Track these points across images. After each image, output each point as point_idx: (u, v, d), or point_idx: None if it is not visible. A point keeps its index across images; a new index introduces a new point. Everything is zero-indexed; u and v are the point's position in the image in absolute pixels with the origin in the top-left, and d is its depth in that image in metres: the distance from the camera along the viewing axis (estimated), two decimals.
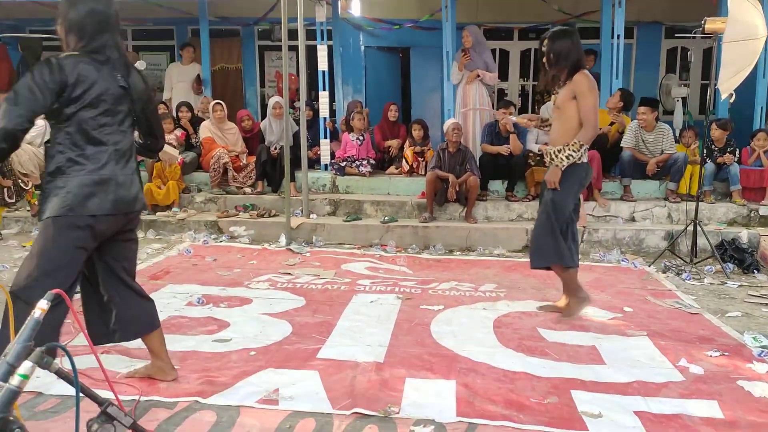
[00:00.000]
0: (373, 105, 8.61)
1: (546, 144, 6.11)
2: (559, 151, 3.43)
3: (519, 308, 3.93)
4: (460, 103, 6.74)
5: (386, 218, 6.10)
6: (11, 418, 0.96)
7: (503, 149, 6.15)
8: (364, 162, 6.97)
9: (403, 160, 6.96)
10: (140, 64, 3.82)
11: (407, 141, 7.06)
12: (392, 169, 7.11)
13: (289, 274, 4.72)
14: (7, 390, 0.96)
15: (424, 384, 2.76)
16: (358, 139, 7.02)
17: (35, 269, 2.22)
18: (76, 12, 2.35)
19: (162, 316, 3.59)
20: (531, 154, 6.15)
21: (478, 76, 6.44)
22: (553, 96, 3.71)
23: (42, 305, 1.14)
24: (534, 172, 6.14)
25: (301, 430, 2.34)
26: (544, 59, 3.49)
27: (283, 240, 5.78)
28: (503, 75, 9.38)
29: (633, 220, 6.04)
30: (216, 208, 6.53)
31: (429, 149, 6.87)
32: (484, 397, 2.64)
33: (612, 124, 6.52)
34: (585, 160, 3.46)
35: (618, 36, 6.53)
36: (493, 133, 6.34)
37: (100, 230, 2.35)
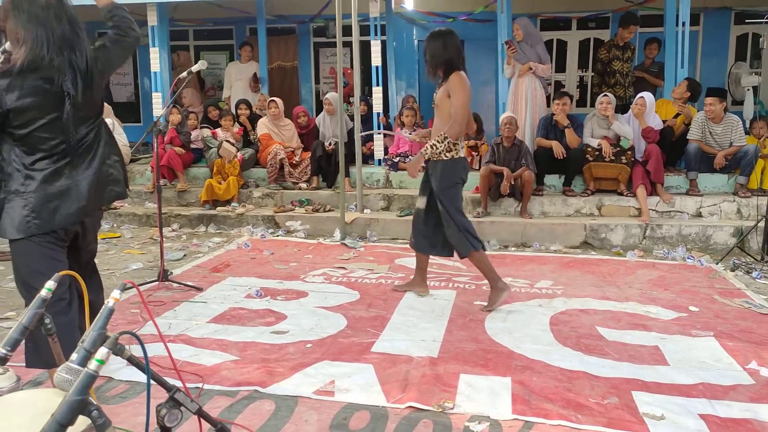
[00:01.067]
0: (427, 99, 8.58)
1: (605, 137, 5.95)
2: (437, 143, 3.62)
3: (577, 306, 3.84)
4: (513, 97, 6.62)
5: None
6: (89, 401, 1.03)
7: (557, 151, 5.98)
8: None
9: None
10: (202, 64, 3.94)
11: None
12: None
13: (344, 268, 4.78)
14: (85, 374, 1.03)
15: (478, 380, 2.74)
16: (410, 134, 7.00)
17: None
18: None
19: (223, 307, 3.76)
20: (589, 149, 5.98)
21: (531, 69, 6.30)
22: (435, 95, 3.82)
23: (115, 294, 1.21)
24: (592, 167, 5.97)
25: (356, 422, 2.38)
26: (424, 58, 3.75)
27: (337, 234, 5.86)
28: (561, 66, 9.15)
29: (699, 215, 5.78)
30: (273, 203, 6.68)
31: (483, 143, 6.79)
32: (541, 395, 2.60)
33: (678, 115, 6.25)
34: (462, 154, 3.68)
35: (683, 23, 6.25)
36: (549, 127, 6.20)
37: None
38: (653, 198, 5.80)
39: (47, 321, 1.41)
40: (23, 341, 1.41)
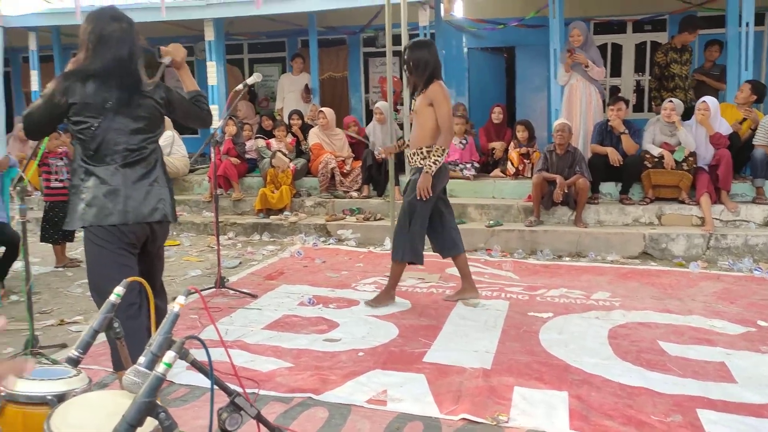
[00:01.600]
0: (476, 107, 8.52)
1: (665, 143, 5.74)
2: (424, 158, 3.72)
3: (637, 319, 3.71)
4: (567, 103, 6.48)
5: (491, 222, 6.01)
6: (157, 403, 1.06)
7: (612, 157, 5.81)
8: (468, 165, 6.91)
9: (508, 163, 6.81)
10: (257, 76, 4.05)
11: (512, 143, 6.91)
12: (497, 171, 6.99)
13: None
14: (154, 377, 1.07)
15: (533, 393, 2.68)
16: (460, 142, 6.97)
17: None
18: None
19: (277, 314, 3.82)
20: (647, 156, 5.78)
21: (587, 66, 6.14)
22: (412, 102, 3.92)
23: (180, 300, 1.25)
24: (651, 175, 5.76)
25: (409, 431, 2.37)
26: (405, 67, 3.81)
27: (388, 243, 5.87)
28: (616, 70, 8.92)
29: (767, 225, 5.49)
30: (324, 211, 6.76)
31: (535, 151, 6.67)
32: (600, 411, 2.52)
33: (743, 120, 5.97)
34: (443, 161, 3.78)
35: (747, 23, 5.98)
36: (604, 133, 6.04)
37: None
38: (717, 206, 5.55)
39: (116, 325, 1.47)
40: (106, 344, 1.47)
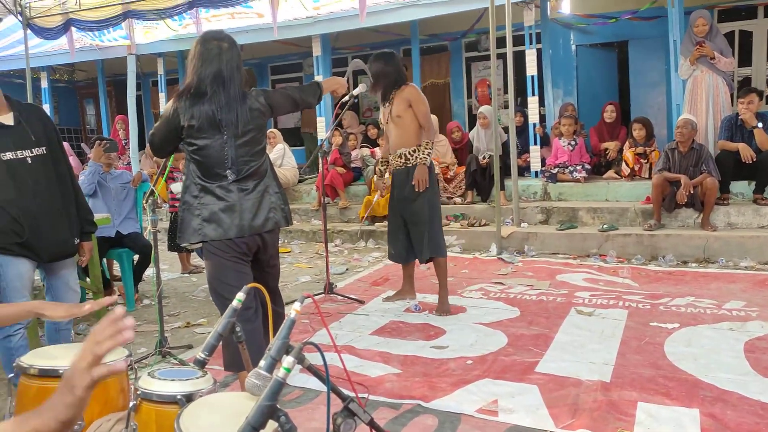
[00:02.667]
0: (587, 107, 8.14)
1: None
2: (414, 152, 3.87)
3: None
4: (690, 97, 6.00)
5: (605, 226, 5.69)
6: (278, 407, 1.09)
7: (744, 154, 5.29)
8: (578, 167, 6.60)
9: (623, 163, 6.43)
10: (362, 87, 4.14)
11: (627, 142, 6.51)
12: (611, 173, 6.62)
13: (502, 283, 4.67)
14: (275, 381, 1.10)
15: (660, 410, 2.48)
16: (569, 144, 6.68)
17: None
18: None
19: (384, 320, 3.86)
20: None
21: (713, 58, 5.65)
22: (383, 110, 4.06)
23: (296, 306, 1.29)
24: None
25: None
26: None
27: (494, 249, 5.75)
28: (746, 60, 8.14)
29: None
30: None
31: (654, 150, 6.24)
32: (737, 431, 2.28)
33: None
34: (430, 159, 3.93)
35: None
36: (734, 128, 5.52)
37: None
38: None
39: (237, 329, 1.55)
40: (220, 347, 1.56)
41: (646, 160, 6.26)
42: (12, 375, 1.54)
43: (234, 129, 2.56)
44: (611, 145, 6.74)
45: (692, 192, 5.29)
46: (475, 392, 2.73)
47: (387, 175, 4.24)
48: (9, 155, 2.48)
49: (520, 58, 7.09)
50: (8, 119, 2.53)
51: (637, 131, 6.29)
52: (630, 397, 2.60)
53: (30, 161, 2.53)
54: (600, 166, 6.84)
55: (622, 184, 6.33)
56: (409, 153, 3.91)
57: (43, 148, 2.59)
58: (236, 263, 2.61)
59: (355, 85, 3.84)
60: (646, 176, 6.20)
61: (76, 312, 1.56)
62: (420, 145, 3.89)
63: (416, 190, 3.86)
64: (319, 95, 2.90)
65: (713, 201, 5.26)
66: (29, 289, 2.61)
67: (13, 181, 2.48)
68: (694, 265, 5.00)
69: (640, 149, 6.30)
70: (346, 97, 4.39)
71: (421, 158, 3.86)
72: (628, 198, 6.16)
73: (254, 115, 2.62)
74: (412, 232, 3.98)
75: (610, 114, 6.87)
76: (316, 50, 8.23)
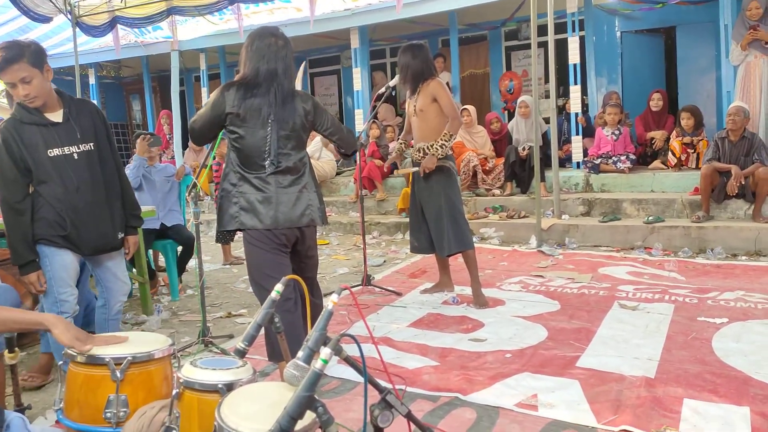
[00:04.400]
0: (632, 95, 7.90)
1: None
2: (431, 145, 3.83)
3: None
4: (743, 83, 5.75)
5: (650, 218, 5.53)
6: (315, 397, 1.10)
7: None
8: (622, 158, 6.42)
9: (669, 153, 6.22)
10: (398, 78, 4.13)
11: (674, 131, 6.30)
12: (656, 163, 6.42)
13: (542, 276, 4.59)
14: (312, 372, 1.11)
15: (707, 407, 2.40)
16: (613, 133, 6.51)
17: None
18: None
19: (422, 312, 3.85)
20: None
21: (767, 42, 5.39)
22: (408, 102, 4.04)
23: (333, 298, 1.29)
24: None
25: None
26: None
27: (533, 241, 5.66)
28: None
29: None
30: (467, 210, 6.69)
31: (702, 139, 6.02)
32: None
33: None
34: (450, 152, 3.91)
35: None
36: None
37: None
38: None
39: (276, 320, 1.57)
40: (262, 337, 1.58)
41: (693, 150, 6.04)
42: (61, 363, 1.60)
43: (279, 124, 2.62)
44: (657, 135, 6.53)
45: (743, 182, 5.09)
46: (514, 386, 2.70)
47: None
48: (56, 151, 2.57)
49: (561, 47, 6.93)
50: (57, 116, 2.61)
51: (686, 120, 6.07)
52: (675, 394, 2.52)
53: (76, 157, 2.62)
54: (645, 157, 6.64)
55: (669, 174, 6.13)
56: (428, 147, 3.87)
57: (90, 144, 2.67)
58: (275, 254, 2.66)
59: (393, 76, 3.85)
60: (694, 166, 5.99)
61: (78, 346, 1.57)
62: (447, 137, 3.86)
63: (420, 175, 3.89)
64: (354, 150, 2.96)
65: (766, 192, 5.04)
66: (74, 279, 2.70)
67: (59, 176, 2.57)
68: (744, 258, 4.81)
69: (687, 139, 6.08)
70: (383, 89, 4.41)
71: (434, 150, 3.82)
72: (674, 189, 5.96)
73: (299, 114, 2.69)
74: (432, 227, 3.94)
75: (656, 102, 6.66)
76: (354, 42, 8.23)
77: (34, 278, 2.57)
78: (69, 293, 2.65)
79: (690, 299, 3.82)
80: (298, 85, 2.96)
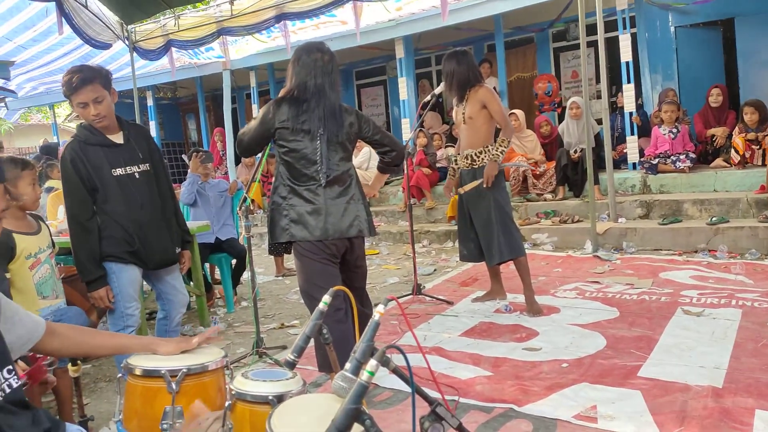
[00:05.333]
0: (689, 91, 7.58)
1: None
2: (482, 151, 3.82)
3: None
4: None
5: (714, 219, 5.27)
6: (363, 410, 1.10)
7: None
8: (681, 157, 6.17)
9: (732, 150, 5.92)
10: (443, 86, 4.11)
11: (737, 127, 6.00)
12: (719, 161, 6.13)
13: (598, 282, 4.45)
14: (358, 384, 1.10)
15: None
16: (670, 132, 6.26)
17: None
18: None
19: (474, 321, 3.80)
20: None
21: None
22: (456, 110, 4.00)
23: (380, 309, 1.28)
24: None
25: None
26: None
27: (588, 246, 5.49)
28: None
29: None
30: (517, 216, 6.57)
31: (767, 135, 5.70)
32: None
33: None
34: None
35: None
36: None
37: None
38: None
39: (324, 331, 1.58)
40: (311, 348, 1.59)
41: (758, 147, 5.73)
42: (120, 375, 1.66)
43: (328, 136, 2.67)
44: (719, 131, 6.24)
45: None
46: (572, 397, 2.61)
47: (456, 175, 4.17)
48: (119, 171, 2.69)
49: (612, 45, 6.73)
50: (119, 138, 2.74)
51: (749, 115, 5.78)
52: (746, 405, 2.38)
53: (138, 176, 2.74)
54: (706, 155, 6.35)
55: (733, 172, 5.84)
56: (476, 154, 3.85)
57: (147, 164, 2.79)
58: (325, 265, 2.69)
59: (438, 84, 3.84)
60: (759, 163, 5.69)
61: (185, 346, 1.70)
62: (489, 146, 3.83)
63: (484, 186, 3.79)
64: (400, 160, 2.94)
65: None
66: (139, 294, 2.81)
67: (123, 194, 2.69)
68: None
69: (751, 135, 5.78)
70: (428, 97, 4.40)
71: (493, 155, 3.79)
72: (739, 188, 5.67)
73: (346, 126, 2.74)
74: (481, 234, 3.88)
75: (715, 98, 6.37)
76: (399, 52, 8.27)
77: (104, 293, 2.67)
78: (135, 307, 2.75)
79: (759, 303, 3.61)
80: None
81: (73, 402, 2.42)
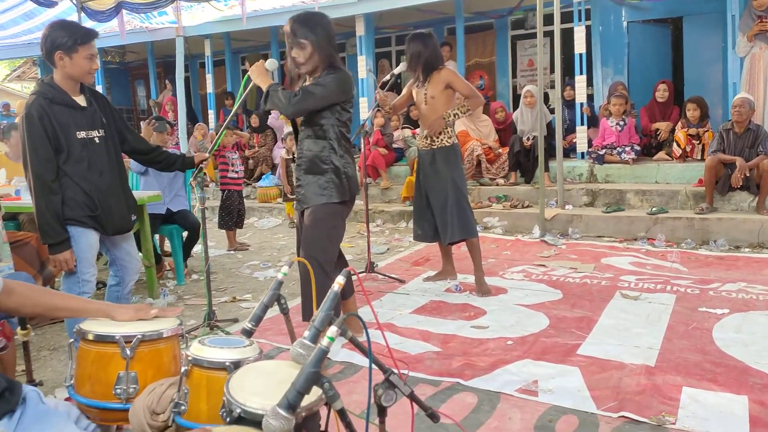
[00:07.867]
0: (638, 86, 7.86)
1: None
2: (441, 132, 3.88)
3: None
4: (748, 75, 5.73)
5: (654, 209, 5.54)
6: (322, 374, 1.13)
7: None
8: (627, 149, 6.42)
9: (674, 144, 6.22)
10: (403, 66, 4.13)
11: (680, 122, 6.29)
12: (661, 154, 6.42)
13: (544, 266, 4.62)
14: (318, 349, 1.14)
15: (706, 396, 2.43)
16: (618, 124, 6.50)
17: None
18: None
19: (424, 300, 3.88)
20: None
21: None
22: (416, 92, 3.99)
23: (340, 280, 1.31)
24: None
25: (563, 425, 2.27)
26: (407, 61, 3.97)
27: (536, 231, 5.68)
28: None
29: None
30: (470, 199, 6.68)
31: (707, 131, 6.01)
32: None
33: None
34: (455, 141, 3.94)
35: None
36: None
37: None
38: None
39: (282, 301, 1.60)
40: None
41: (698, 142, 6.03)
42: (72, 341, 1.64)
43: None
44: (663, 126, 6.52)
45: (748, 174, 5.09)
46: (515, 372, 2.73)
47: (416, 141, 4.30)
48: (82, 134, 2.62)
49: (567, 36, 6.89)
50: (82, 101, 2.67)
51: (691, 111, 6.06)
52: (675, 382, 2.55)
53: (98, 141, 2.67)
54: (650, 148, 6.63)
55: (674, 166, 6.13)
56: (435, 135, 3.91)
57: (104, 130, 2.72)
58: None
59: (398, 64, 3.85)
60: (699, 158, 5.99)
61: (142, 315, 1.67)
62: (448, 128, 3.90)
63: (427, 133, 3.93)
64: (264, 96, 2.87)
65: None
66: (95, 260, 2.75)
67: (86, 158, 2.62)
68: (747, 250, 4.82)
69: (693, 130, 6.07)
70: (388, 76, 4.41)
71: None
72: (679, 180, 5.96)
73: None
74: (437, 213, 3.95)
75: (662, 93, 6.64)
76: (360, 30, 8.20)
77: (69, 255, 2.59)
78: (91, 273, 2.70)
79: (692, 290, 3.84)
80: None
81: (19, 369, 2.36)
